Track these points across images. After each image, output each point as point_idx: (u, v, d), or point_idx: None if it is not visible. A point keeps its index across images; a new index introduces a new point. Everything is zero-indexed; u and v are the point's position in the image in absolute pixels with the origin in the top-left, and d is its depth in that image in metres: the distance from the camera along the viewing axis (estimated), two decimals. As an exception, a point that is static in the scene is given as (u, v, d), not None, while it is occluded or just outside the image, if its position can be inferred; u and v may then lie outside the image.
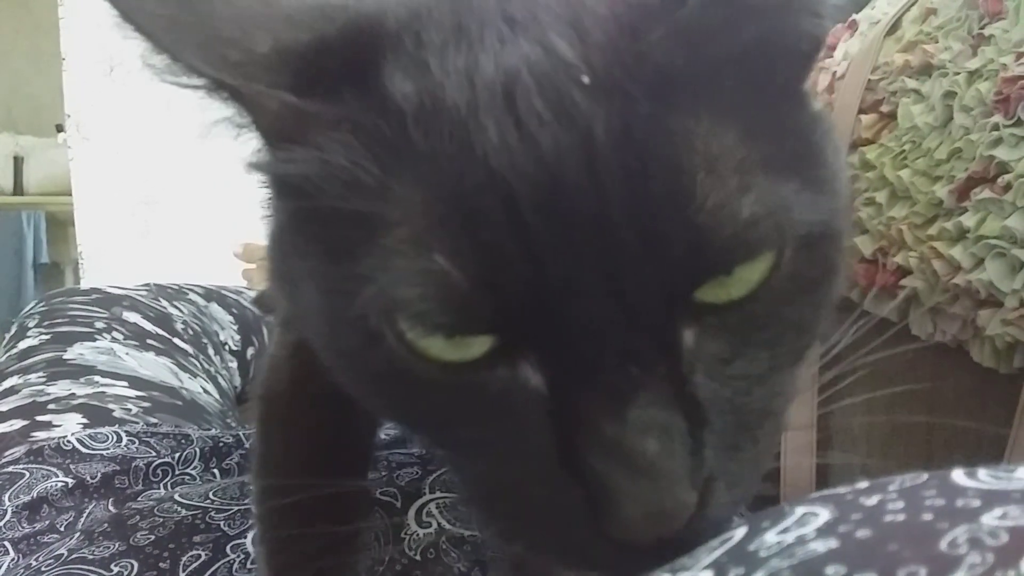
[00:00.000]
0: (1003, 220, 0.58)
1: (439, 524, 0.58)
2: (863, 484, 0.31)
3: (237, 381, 1.13)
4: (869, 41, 0.73)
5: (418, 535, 0.57)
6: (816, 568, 0.25)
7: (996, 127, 0.59)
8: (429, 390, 0.36)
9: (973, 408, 0.61)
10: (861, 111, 0.70)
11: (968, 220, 0.59)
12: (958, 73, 0.63)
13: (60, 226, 4.00)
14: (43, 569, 0.55)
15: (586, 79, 0.32)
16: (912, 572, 0.23)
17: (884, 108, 0.69)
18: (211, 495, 0.64)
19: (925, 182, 0.63)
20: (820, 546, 0.26)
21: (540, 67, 0.33)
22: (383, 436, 0.83)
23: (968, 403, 0.61)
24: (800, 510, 0.31)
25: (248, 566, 0.57)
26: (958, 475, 0.29)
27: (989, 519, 0.25)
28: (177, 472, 0.76)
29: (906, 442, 0.63)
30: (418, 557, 0.56)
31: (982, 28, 0.63)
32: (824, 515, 0.29)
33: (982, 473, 0.29)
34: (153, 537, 0.58)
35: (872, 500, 0.29)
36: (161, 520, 0.60)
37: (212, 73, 0.34)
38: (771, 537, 0.29)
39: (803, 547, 0.27)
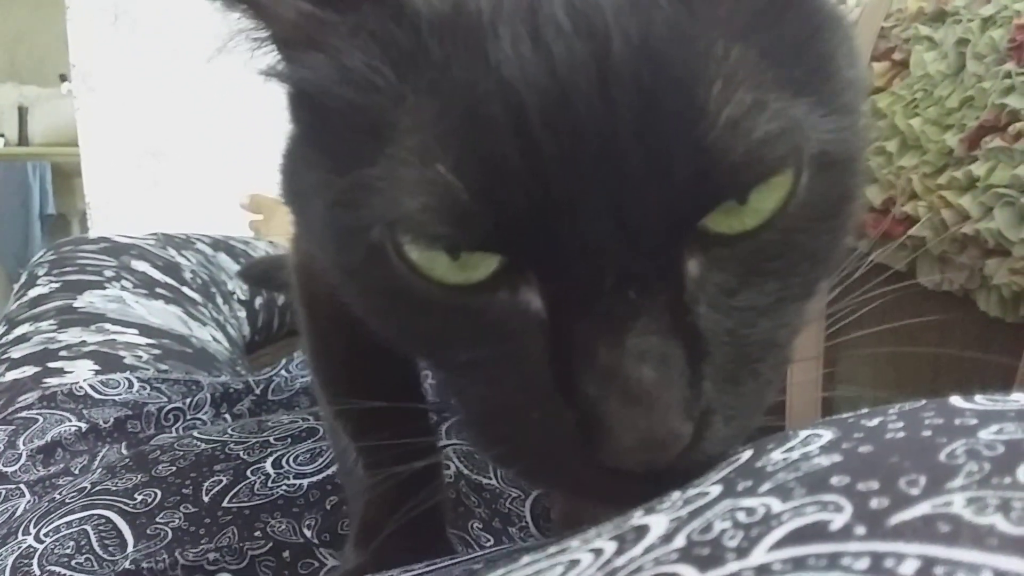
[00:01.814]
0: (1013, 169, 0.57)
1: (457, 469, 0.58)
2: (864, 410, 0.32)
3: (246, 330, 1.13)
4: (884, -12, 0.72)
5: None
6: (821, 478, 0.26)
7: (1008, 75, 0.59)
8: (429, 311, 0.36)
9: (978, 357, 0.61)
10: (873, 59, 0.69)
11: (978, 169, 0.59)
12: (972, 20, 0.62)
13: (66, 177, 3.99)
14: (67, 501, 0.56)
15: None
16: (912, 480, 0.23)
17: (896, 56, 0.68)
18: (229, 431, 0.65)
19: (936, 131, 0.63)
20: (824, 460, 0.27)
21: None
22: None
23: (974, 352, 0.62)
24: (804, 432, 0.31)
25: (269, 485, 0.58)
26: (956, 399, 0.29)
27: (986, 434, 0.25)
28: (188, 417, 0.77)
29: (912, 382, 0.64)
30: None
31: (997, -26, 0.62)
32: (827, 435, 0.30)
33: (979, 397, 0.29)
34: (175, 468, 0.59)
35: (873, 422, 0.30)
36: (181, 453, 0.61)
37: None
38: (777, 455, 0.30)
39: (808, 462, 0.28)
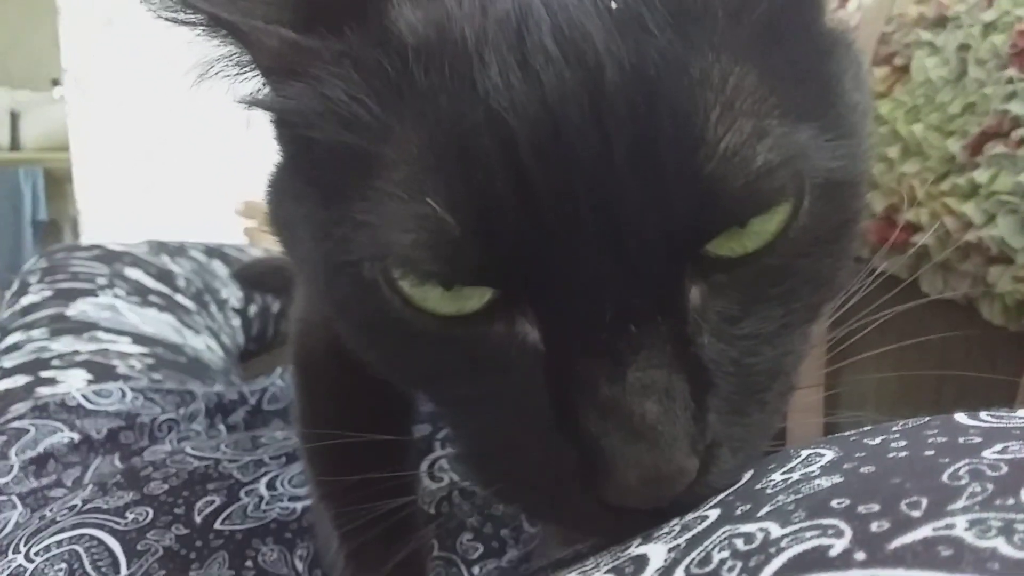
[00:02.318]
0: (1016, 176, 0.57)
1: (451, 479, 0.58)
2: (867, 428, 0.32)
3: (240, 339, 1.12)
4: (883, -8, 0.72)
5: (431, 488, 0.57)
6: (822, 501, 0.25)
7: (1011, 80, 0.58)
8: (424, 344, 0.35)
9: (982, 366, 0.60)
10: (874, 64, 0.69)
11: (981, 176, 0.59)
12: (973, 25, 0.62)
13: (58, 183, 3.98)
14: (58, 519, 0.55)
15: (615, 4, 0.31)
16: (914, 502, 0.23)
17: (897, 61, 0.67)
18: (222, 447, 0.64)
19: (938, 137, 0.62)
20: (825, 481, 0.27)
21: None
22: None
23: (977, 361, 0.61)
24: (805, 452, 0.31)
25: (262, 508, 0.57)
26: (960, 416, 0.29)
27: (990, 453, 0.25)
28: (182, 428, 0.76)
29: (916, 399, 0.63)
30: (432, 511, 0.56)
31: (998, -21, 0.62)
32: (829, 455, 0.30)
33: (983, 414, 0.29)
34: (167, 486, 0.58)
35: (876, 440, 0.30)
36: (174, 471, 0.60)
37: (207, 8, 0.34)
38: (777, 476, 0.30)
39: (808, 483, 0.28)
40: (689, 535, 0.28)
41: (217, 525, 0.55)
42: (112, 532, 0.54)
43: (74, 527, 0.54)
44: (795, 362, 0.37)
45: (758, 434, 0.35)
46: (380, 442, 0.46)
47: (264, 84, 0.37)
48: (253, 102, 0.37)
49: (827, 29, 0.37)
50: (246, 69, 0.37)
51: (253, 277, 1.12)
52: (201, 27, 0.36)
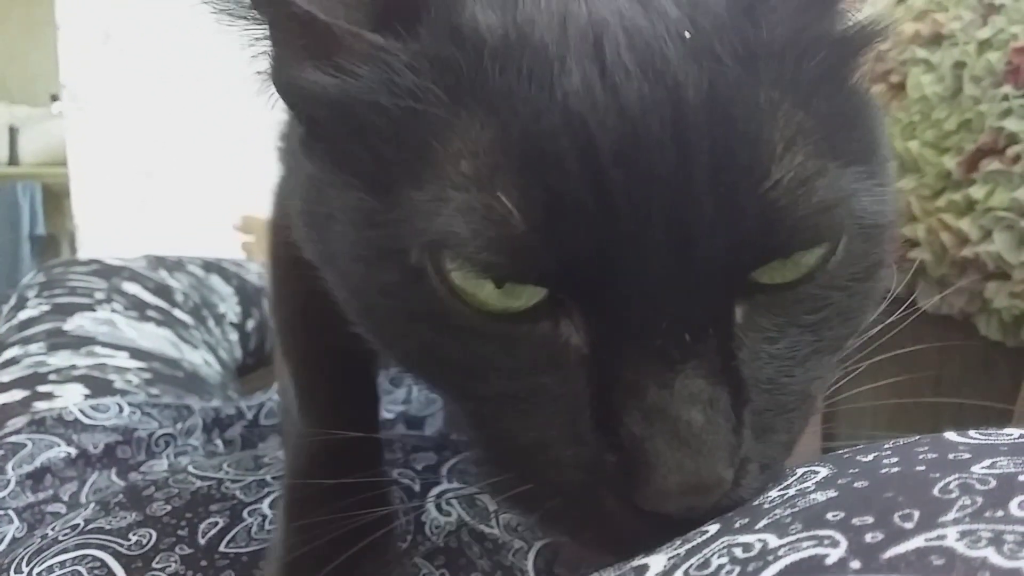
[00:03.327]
0: (1012, 192, 0.57)
1: (459, 516, 0.57)
2: (859, 446, 0.33)
3: (238, 353, 1.12)
4: (879, 9, 0.72)
5: (439, 521, 0.57)
6: (817, 514, 0.26)
7: (1006, 97, 0.59)
8: (465, 336, 0.35)
9: (979, 381, 0.61)
10: (870, 81, 0.69)
11: (976, 192, 0.59)
12: (968, 43, 0.62)
13: (56, 198, 3.98)
14: (60, 538, 0.55)
15: (688, 34, 0.32)
16: (906, 514, 0.24)
17: (893, 78, 0.68)
18: (224, 466, 0.64)
19: (934, 153, 0.63)
20: (820, 496, 0.28)
21: (634, 21, 0.33)
22: (387, 415, 0.83)
23: (974, 376, 0.61)
24: (800, 469, 0.33)
25: (266, 527, 0.57)
26: (950, 434, 0.30)
27: (979, 468, 0.26)
28: (179, 443, 0.76)
29: (912, 417, 0.63)
30: (440, 543, 0.55)
31: (993, -3, 0.62)
32: (823, 471, 0.31)
33: (972, 432, 0.30)
34: (169, 507, 0.58)
35: (868, 457, 0.31)
36: (176, 491, 0.60)
37: (304, 6, 0.35)
38: (774, 492, 0.31)
39: (804, 498, 0.28)
40: (689, 545, 0.29)
41: (222, 547, 0.55)
42: (115, 555, 0.53)
43: (77, 547, 0.54)
44: (821, 387, 0.38)
45: (782, 453, 0.36)
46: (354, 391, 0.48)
47: (317, 70, 0.37)
48: (313, 84, 0.37)
49: (863, 86, 0.39)
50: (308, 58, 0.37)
51: None
52: (259, 25, 0.37)
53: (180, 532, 0.56)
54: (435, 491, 0.61)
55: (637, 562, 0.30)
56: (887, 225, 0.37)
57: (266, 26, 0.38)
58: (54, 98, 3.60)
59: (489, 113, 0.32)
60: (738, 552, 0.26)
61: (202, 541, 0.55)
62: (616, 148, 0.31)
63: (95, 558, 0.53)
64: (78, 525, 0.57)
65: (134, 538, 0.55)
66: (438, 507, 0.59)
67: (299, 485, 0.53)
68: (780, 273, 0.34)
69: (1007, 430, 0.30)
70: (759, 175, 0.31)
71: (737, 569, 0.25)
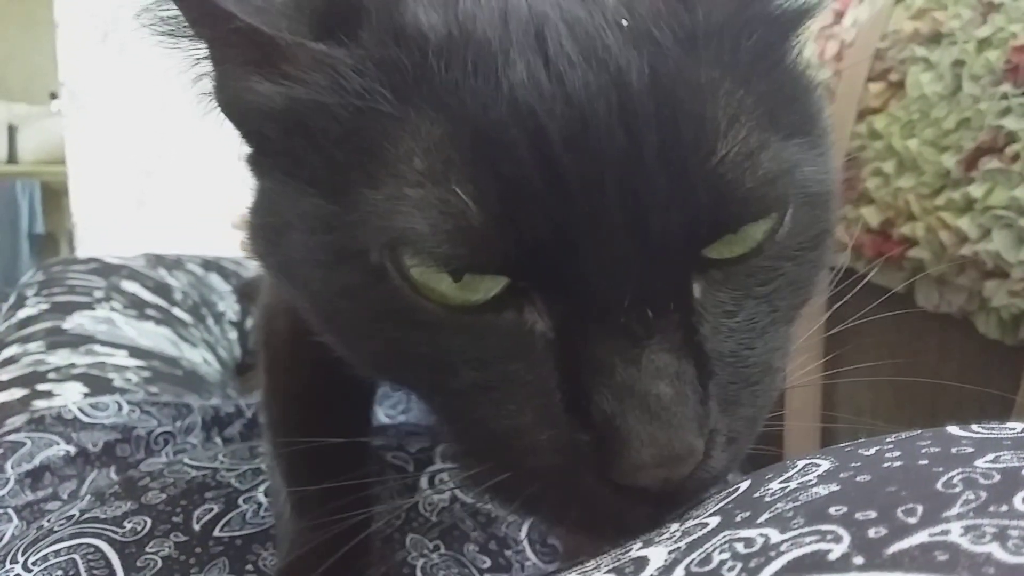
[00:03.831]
0: (1011, 191, 0.57)
1: (453, 493, 0.58)
2: (861, 440, 0.33)
3: (237, 352, 1.12)
4: (878, 8, 0.72)
5: (432, 499, 0.57)
6: (820, 508, 0.26)
7: (1005, 96, 0.59)
8: (430, 331, 0.36)
9: (977, 380, 0.61)
10: (869, 79, 0.69)
11: (976, 190, 0.59)
12: (967, 41, 0.62)
13: (54, 196, 3.98)
14: (55, 529, 0.55)
15: (625, 22, 0.33)
16: (910, 509, 0.24)
17: (893, 76, 0.68)
18: (220, 456, 0.64)
19: (933, 152, 0.63)
20: (822, 490, 0.28)
21: (572, 12, 0.34)
22: (385, 420, 0.83)
23: (972, 375, 0.61)
24: (801, 462, 0.32)
25: (261, 514, 0.57)
26: (952, 428, 0.30)
27: (982, 463, 0.26)
28: (178, 441, 0.76)
29: (911, 413, 0.63)
30: (434, 519, 0.56)
31: (992, -4, 0.62)
32: (825, 464, 0.31)
33: (975, 426, 0.30)
34: (165, 496, 0.58)
35: (871, 451, 0.31)
36: (172, 480, 0.60)
37: (246, 19, 0.35)
38: (775, 485, 0.31)
39: (806, 491, 0.28)
40: (690, 539, 0.29)
41: (216, 532, 0.55)
42: (110, 541, 0.54)
43: (72, 537, 0.54)
44: (782, 358, 0.39)
45: (748, 427, 0.37)
46: (338, 423, 0.49)
47: (264, 80, 0.38)
48: (259, 95, 0.38)
49: (799, 62, 0.40)
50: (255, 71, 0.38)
51: (254, 292, 1.12)
52: (216, 43, 0.37)
53: (175, 519, 0.56)
54: (429, 470, 0.61)
55: (636, 554, 0.30)
56: (829, 194, 0.39)
57: (206, 46, 0.39)
58: (53, 96, 3.61)
59: (438, 110, 0.33)
60: (740, 547, 0.26)
61: (196, 527, 0.55)
62: (566, 134, 0.32)
63: (90, 546, 0.53)
64: (73, 516, 0.57)
65: (129, 525, 0.55)
66: (432, 486, 0.59)
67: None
68: (730, 247, 0.35)
69: (1010, 424, 0.30)
70: (706, 151, 0.33)
71: (739, 565, 0.24)
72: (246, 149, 0.43)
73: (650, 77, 0.32)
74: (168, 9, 0.37)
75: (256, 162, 0.42)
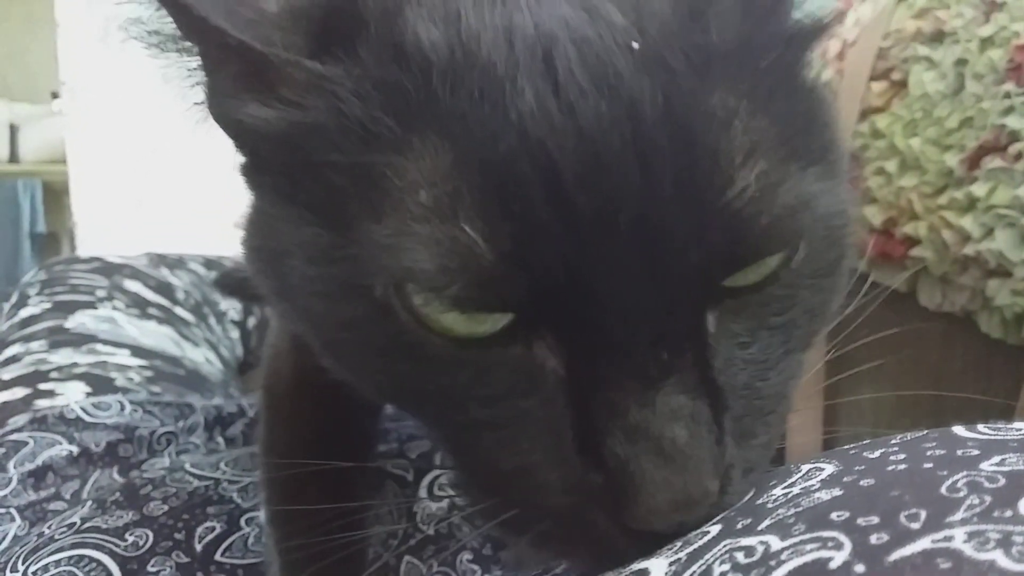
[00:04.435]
0: (1014, 190, 0.57)
1: (451, 500, 0.57)
2: (866, 442, 0.32)
3: (239, 351, 1.12)
4: (880, 7, 0.72)
5: (431, 509, 0.57)
6: (821, 514, 0.26)
7: (1008, 95, 0.58)
8: (437, 366, 0.35)
9: (980, 380, 0.61)
10: (872, 78, 0.69)
11: (978, 189, 0.59)
12: (970, 40, 0.62)
13: (56, 195, 3.97)
14: (56, 537, 0.55)
15: (636, 44, 0.31)
16: (913, 514, 0.23)
17: (895, 75, 0.68)
18: (222, 465, 0.64)
19: (935, 151, 0.63)
20: (825, 495, 0.27)
21: (581, 31, 0.32)
22: (390, 424, 0.83)
23: (975, 374, 0.61)
24: (805, 467, 0.32)
25: (263, 540, 0.56)
26: (958, 429, 0.30)
27: (988, 465, 0.26)
28: (181, 441, 0.75)
29: (913, 413, 0.63)
30: (431, 532, 0.55)
31: (995, -6, 0.62)
32: (829, 468, 0.30)
33: (981, 427, 0.30)
34: (167, 507, 0.58)
35: (875, 453, 0.30)
36: (174, 490, 0.60)
37: (236, 35, 0.33)
38: (778, 491, 0.31)
39: (808, 497, 0.28)
40: (690, 549, 0.29)
41: (218, 556, 0.55)
42: (112, 555, 0.53)
43: (73, 547, 0.54)
44: (795, 385, 0.38)
45: (763, 455, 0.36)
46: (337, 473, 0.47)
47: (258, 103, 0.36)
48: (256, 119, 0.36)
49: (815, 82, 0.39)
50: (252, 92, 0.36)
51: (234, 284, 1.11)
52: (204, 59, 0.36)
53: (177, 536, 0.56)
54: (428, 478, 0.61)
55: (637, 566, 0.30)
56: (846, 222, 0.37)
57: (198, 56, 0.37)
58: (54, 96, 3.60)
59: (443, 138, 0.31)
60: (740, 557, 0.25)
61: (198, 548, 0.55)
62: (579, 171, 0.30)
63: (91, 559, 0.53)
64: (75, 524, 0.57)
65: (130, 539, 0.55)
66: (431, 494, 0.59)
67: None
68: (746, 275, 0.34)
69: (1016, 424, 0.30)
70: (722, 186, 0.31)
71: None
72: (240, 160, 0.41)
73: (664, 107, 0.31)
74: (157, 22, 0.36)
75: (251, 176, 0.41)
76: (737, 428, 0.34)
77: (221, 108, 0.38)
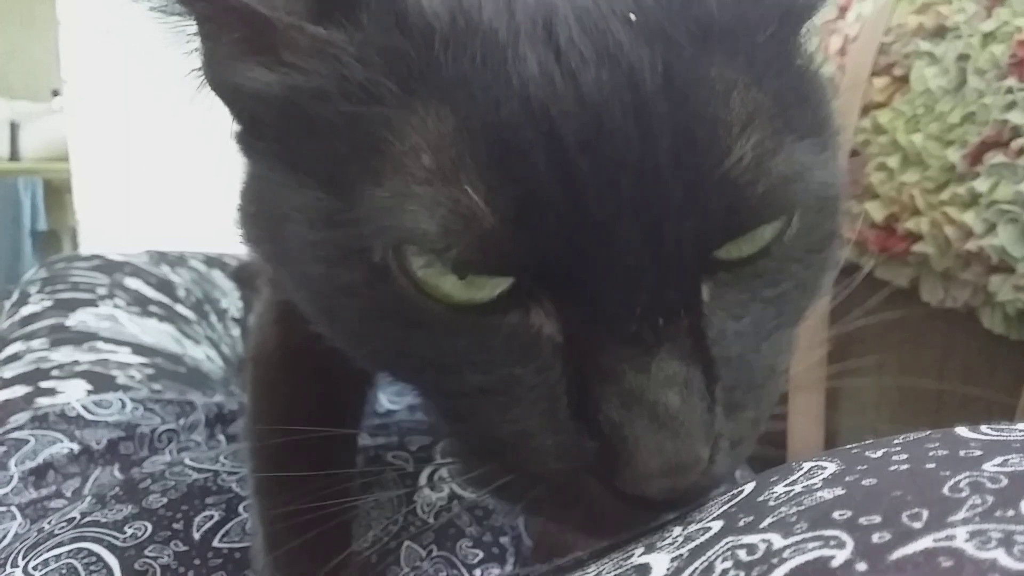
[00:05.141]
0: (1016, 185, 0.57)
1: (451, 490, 0.58)
2: (868, 441, 0.32)
3: (240, 349, 1.12)
4: (882, 2, 0.72)
5: (431, 499, 0.57)
6: (823, 512, 0.26)
7: (1010, 90, 0.58)
8: (433, 332, 0.35)
9: (982, 375, 0.61)
10: (873, 74, 0.69)
11: (981, 185, 0.59)
12: (972, 35, 0.62)
13: (57, 193, 3.98)
14: (56, 532, 0.55)
15: (633, 16, 0.32)
16: (915, 514, 0.23)
17: (897, 71, 0.68)
18: (221, 459, 0.64)
19: (938, 146, 0.63)
20: (827, 493, 0.27)
21: (581, 1, 0.32)
22: (390, 406, 0.83)
23: (977, 370, 0.61)
24: (807, 464, 0.32)
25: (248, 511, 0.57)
26: (961, 429, 0.30)
27: (990, 466, 0.25)
28: (182, 438, 0.75)
29: (915, 409, 0.63)
30: (431, 520, 0.56)
31: (997, -11, 0.62)
32: (831, 467, 0.30)
33: (984, 427, 0.30)
34: (165, 500, 0.58)
35: (877, 453, 0.30)
36: (173, 483, 0.60)
37: None
38: (780, 489, 0.30)
39: (811, 495, 0.28)
40: (692, 545, 0.29)
41: (216, 542, 0.55)
42: (111, 548, 0.53)
43: (72, 541, 0.54)
44: (786, 361, 0.38)
45: (752, 429, 0.36)
46: (323, 442, 0.46)
47: (259, 66, 0.36)
48: (251, 84, 0.36)
49: (809, 57, 0.39)
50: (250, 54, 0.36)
51: (248, 276, 1.11)
52: (208, 20, 0.36)
53: (175, 525, 0.56)
54: (428, 469, 0.61)
55: (638, 560, 0.30)
56: (837, 196, 0.38)
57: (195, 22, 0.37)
58: (55, 93, 3.60)
59: (445, 103, 0.32)
60: (742, 554, 0.25)
61: (196, 536, 0.55)
62: (581, 137, 0.31)
63: (90, 552, 0.53)
64: (74, 519, 0.57)
65: (129, 531, 0.55)
66: (431, 485, 0.59)
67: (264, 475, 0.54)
68: (737, 248, 0.34)
69: (1019, 425, 0.30)
70: (720, 154, 0.32)
71: (741, 574, 0.24)
72: (236, 127, 0.42)
73: (663, 76, 0.31)
74: None
75: (248, 143, 0.41)
76: (727, 399, 0.34)
77: (219, 73, 0.38)
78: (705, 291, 0.34)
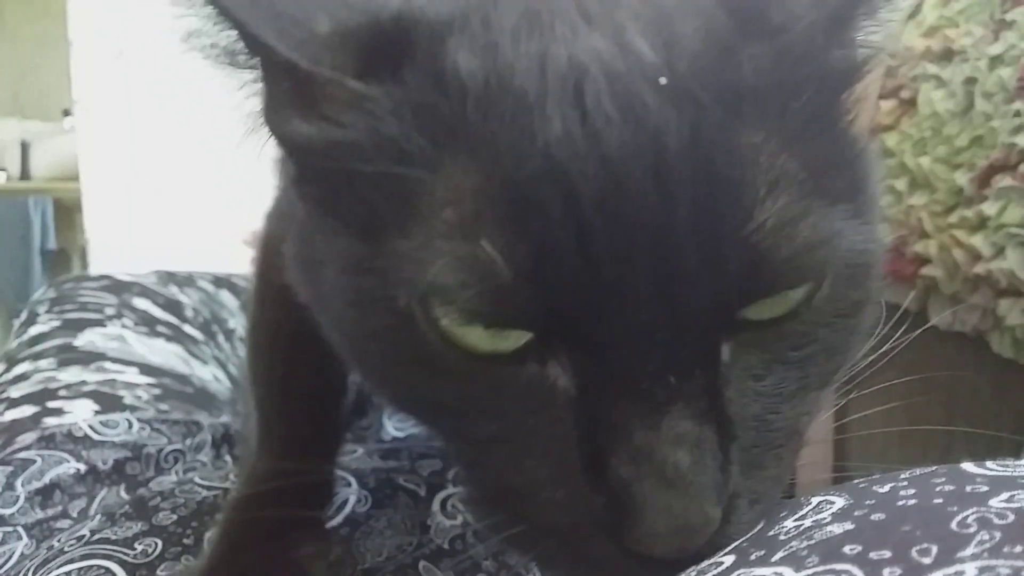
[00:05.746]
0: (1024, 208, 0.57)
1: (465, 518, 0.58)
2: (876, 476, 0.33)
3: (248, 370, 1.12)
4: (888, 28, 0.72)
5: (444, 525, 0.57)
6: (834, 547, 0.26)
7: (1018, 113, 0.58)
8: (453, 379, 0.35)
9: (991, 400, 0.60)
10: (881, 97, 0.69)
11: (989, 208, 0.59)
12: (979, 58, 0.62)
13: (67, 212, 3.99)
14: (66, 549, 0.55)
15: (663, 80, 0.32)
16: (924, 549, 0.24)
17: (904, 94, 0.68)
18: (231, 477, 0.64)
19: (945, 170, 0.63)
20: (837, 528, 0.28)
21: (612, 65, 0.32)
22: (396, 433, 0.83)
23: (986, 395, 0.61)
24: (816, 499, 0.32)
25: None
26: (967, 465, 0.30)
27: (997, 502, 0.26)
28: (188, 459, 0.75)
29: (925, 434, 0.63)
30: (446, 546, 0.56)
31: (1004, 13, 0.62)
32: (839, 502, 0.31)
33: (990, 463, 0.30)
34: (175, 517, 0.58)
35: (884, 488, 0.30)
36: (182, 501, 0.60)
37: (286, 54, 0.34)
38: (789, 523, 0.31)
39: (820, 530, 0.28)
40: None
41: None
42: (122, 564, 0.53)
43: (83, 558, 0.54)
44: (809, 422, 0.38)
45: (773, 487, 0.36)
46: (322, 351, 0.47)
47: (305, 120, 0.37)
48: (298, 135, 0.37)
49: (857, 131, 0.39)
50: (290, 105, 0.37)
51: None
52: (256, 74, 0.37)
53: (186, 541, 0.56)
54: (441, 495, 0.61)
55: None
56: (873, 263, 0.37)
57: (257, 68, 0.38)
58: (66, 113, 3.63)
59: (472, 160, 0.32)
60: None
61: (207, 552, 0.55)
62: (598, 196, 0.31)
63: (101, 567, 0.53)
64: (84, 536, 0.57)
65: (140, 547, 0.55)
66: (444, 511, 0.59)
67: (240, 511, 0.55)
68: (766, 309, 0.34)
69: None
70: (741, 219, 0.31)
71: None
72: (293, 172, 0.42)
73: (689, 139, 0.31)
74: (215, 35, 0.37)
75: (299, 188, 0.42)
76: (745, 458, 0.34)
77: (272, 120, 0.39)
78: (725, 350, 0.34)
